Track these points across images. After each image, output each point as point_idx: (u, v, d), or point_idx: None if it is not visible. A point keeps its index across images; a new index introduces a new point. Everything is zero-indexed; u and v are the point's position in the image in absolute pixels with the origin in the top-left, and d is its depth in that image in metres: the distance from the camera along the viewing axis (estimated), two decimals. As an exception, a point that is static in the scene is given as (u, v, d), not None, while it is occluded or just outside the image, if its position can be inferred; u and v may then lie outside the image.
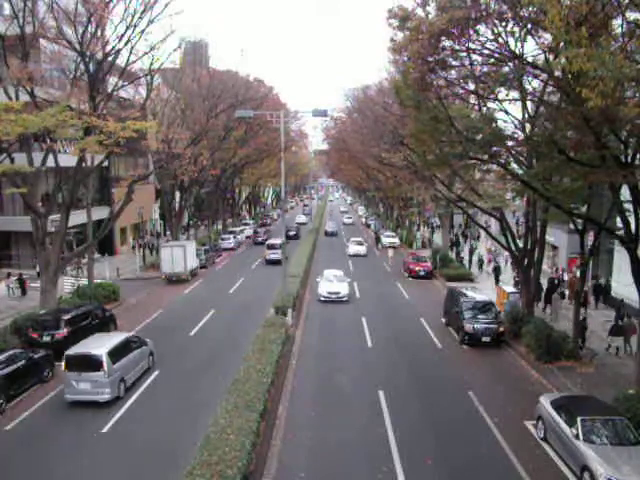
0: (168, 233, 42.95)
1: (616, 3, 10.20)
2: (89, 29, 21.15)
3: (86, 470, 11.71)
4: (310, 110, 24.32)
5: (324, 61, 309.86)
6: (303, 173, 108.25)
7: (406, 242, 49.52)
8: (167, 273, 32.35)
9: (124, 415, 14.39)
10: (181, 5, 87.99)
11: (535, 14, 12.05)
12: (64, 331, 18.54)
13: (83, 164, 24.00)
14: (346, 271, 33.18)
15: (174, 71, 37.03)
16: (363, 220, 76.54)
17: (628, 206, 15.26)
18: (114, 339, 16.35)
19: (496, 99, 16.92)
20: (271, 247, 40.08)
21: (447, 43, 13.96)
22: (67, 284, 28.90)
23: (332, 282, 28.19)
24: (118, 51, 22.60)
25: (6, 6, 23.90)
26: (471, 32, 13.51)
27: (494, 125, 17.00)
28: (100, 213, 34.93)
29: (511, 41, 13.85)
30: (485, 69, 15.75)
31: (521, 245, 22.79)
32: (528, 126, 18.61)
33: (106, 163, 32.57)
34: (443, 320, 23.76)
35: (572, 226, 20.84)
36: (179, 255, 32.03)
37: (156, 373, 17.39)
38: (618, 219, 17.04)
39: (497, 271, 31.80)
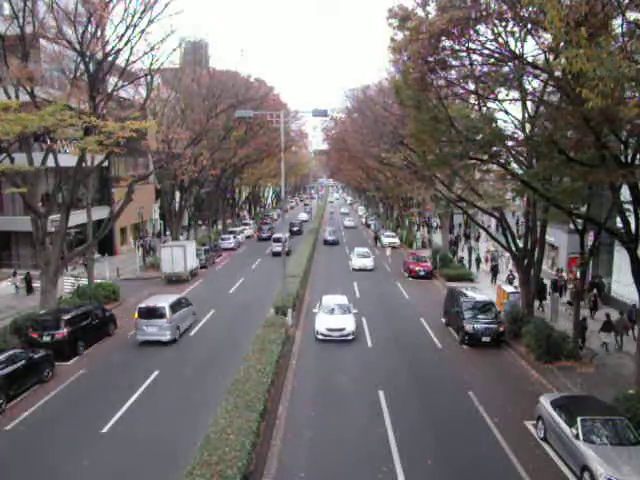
0: (168, 233, 42.92)
1: (616, 3, 10.20)
2: (89, 29, 21.17)
3: (86, 470, 11.71)
4: (310, 110, 24.34)
5: (324, 61, 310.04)
6: (303, 173, 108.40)
7: (406, 242, 49.53)
8: (167, 273, 32.36)
9: (124, 415, 14.39)
10: (181, 5, 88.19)
11: (535, 14, 12.05)
12: (64, 331, 18.55)
13: (83, 164, 24.02)
14: (350, 295, 26.84)
15: (174, 71, 37.06)
16: (363, 220, 76.47)
17: (628, 206, 15.26)
18: (172, 297, 21.82)
19: (496, 99, 16.92)
20: (277, 240, 43.58)
21: (447, 43, 13.96)
22: (67, 284, 28.90)
23: (333, 315, 21.44)
24: (118, 51, 22.61)
25: (6, 6, 23.90)
26: (471, 32, 13.50)
27: (494, 125, 17.00)
28: (100, 213, 34.93)
29: (511, 41, 13.86)
30: (485, 69, 15.74)
31: (521, 245, 22.80)
32: (528, 126, 18.62)
33: (106, 163, 32.59)
34: (443, 320, 23.76)
35: (572, 226, 20.84)
36: (179, 255, 32.04)
37: (156, 373, 17.39)
38: (618, 219, 17.04)
39: (495, 270, 32.28)
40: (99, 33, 22.22)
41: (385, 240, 48.45)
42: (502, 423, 13.96)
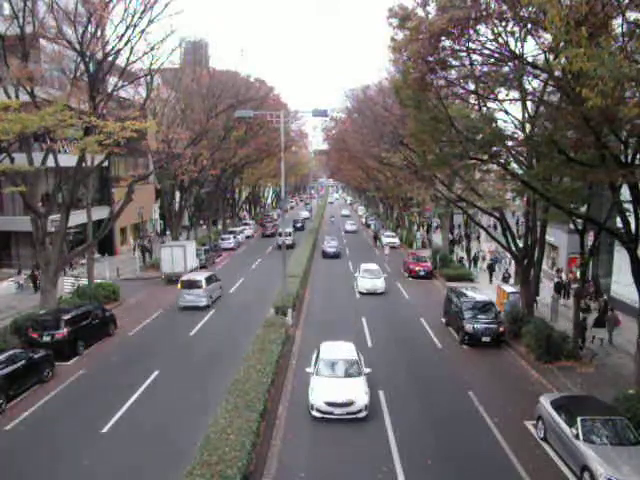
0: (168, 233, 42.95)
1: (616, 3, 10.21)
2: (89, 29, 21.15)
3: (86, 470, 11.70)
4: (310, 110, 24.32)
5: (324, 61, 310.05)
6: (303, 173, 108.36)
7: (406, 242, 49.54)
8: (167, 273, 32.36)
9: (124, 415, 14.39)
10: (181, 5, 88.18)
11: (535, 14, 12.06)
12: (64, 331, 18.54)
13: (83, 164, 24.01)
14: (358, 334, 21.33)
15: (174, 71, 37.05)
16: (363, 220, 76.50)
17: (628, 206, 15.26)
18: (207, 273, 28.23)
19: (496, 99, 16.93)
20: (281, 235, 43.49)
21: (447, 43, 13.96)
22: (67, 284, 28.91)
23: (335, 378, 14.69)
24: (118, 51, 22.60)
25: (6, 6, 23.89)
26: (471, 32, 13.51)
27: (494, 125, 17.01)
28: (100, 213, 34.92)
29: (511, 41, 13.87)
30: (485, 69, 15.76)
31: (521, 245, 22.80)
32: (528, 126, 18.62)
33: (106, 163, 32.58)
34: (443, 320, 23.75)
35: (572, 226, 20.85)
36: (179, 255, 32.06)
37: (156, 373, 17.39)
38: (618, 219, 17.04)
39: (491, 268, 32.87)
40: (99, 33, 22.21)
41: (385, 240, 48.48)
42: (502, 423, 13.96)
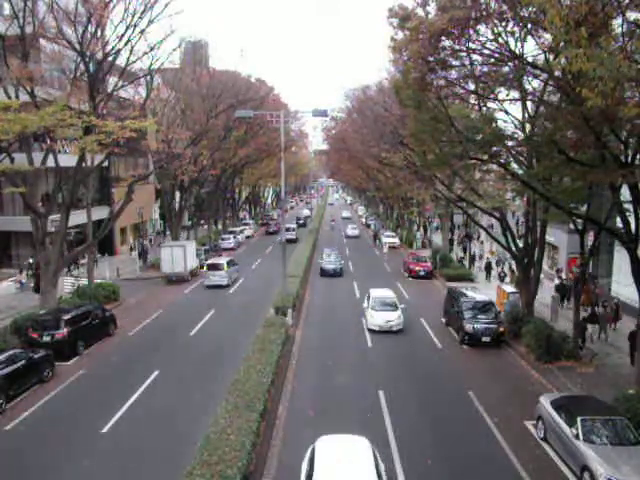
0: (168, 233, 42.96)
1: (616, 3, 10.20)
2: (89, 29, 21.17)
3: (86, 470, 11.70)
4: (310, 110, 24.34)
5: (324, 61, 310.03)
6: (303, 173, 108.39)
7: (406, 242, 49.55)
8: (167, 273, 32.38)
9: (124, 415, 14.39)
10: (181, 5, 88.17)
11: (535, 14, 12.06)
12: (64, 331, 18.54)
13: (83, 164, 24.01)
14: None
15: (174, 71, 37.05)
16: (363, 220, 76.48)
17: (628, 206, 15.26)
18: (227, 258, 33.85)
19: (496, 99, 16.93)
20: (287, 230, 48.06)
21: (447, 43, 13.97)
22: (67, 284, 28.91)
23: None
24: (118, 51, 22.62)
25: (6, 6, 23.90)
26: (471, 32, 13.52)
27: (494, 125, 17.01)
28: (100, 213, 34.93)
29: (511, 41, 13.88)
30: (485, 69, 15.76)
31: (521, 245, 22.79)
32: (528, 126, 18.62)
33: (106, 163, 32.58)
34: (443, 320, 23.75)
35: (572, 226, 20.84)
36: (179, 255, 32.07)
37: (156, 373, 17.38)
38: (618, 219, 17.04)
39: (489, 267, 33.22)
40: (99, 33, 22.23)
41: (385, 240, 48.52)
42: (502, 423, 13.96)
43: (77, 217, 29.92)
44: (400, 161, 33.02)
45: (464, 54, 14.70)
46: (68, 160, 24.77)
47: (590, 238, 21.56)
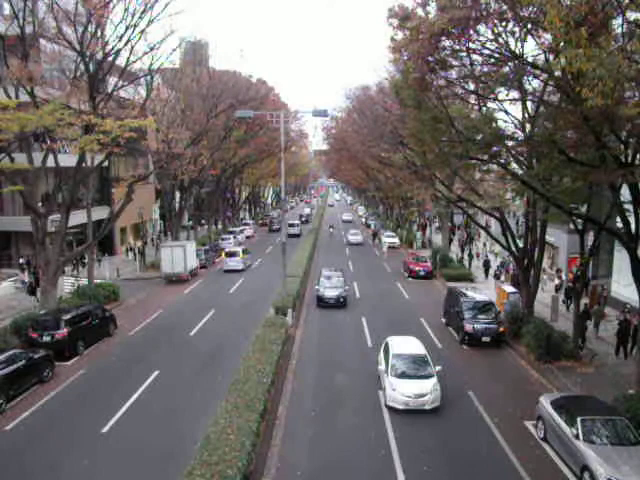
0: (168, 233, 42.98)
1: (616, 3, 10.21)
2: (89, 29, 21.16)
3: (86, 470, 11.70)
4: (310, 110, 24.43)
5: (324, 61, 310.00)
6: (303, 173, 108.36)
7: (406, 242, 49.55)
8: (167, 273, 32.37)
9: (124, 415, 14.38)
10: (181, 5, 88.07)
11: (535, 14, 12.06)
12: (64, 331, 18.54)
13: (83, 164, 24.01)
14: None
15: (174, 71, 37.03)
16: (363, 220, 76.44)
17: (628, 206, 15.26)
18: (242, 247, 39.97)
19: (496, 99, 16.93)
20: (290, 225, 54.53)
21: (447, 43, 13.97)
22: (67, 284, 28.91)
23: None
24: (118, 51, 22.60)
25: (6, 6, 23.90)
26: (471, 32, 13.50)
27: (494, 125, 17.00)
28: (100, 213, 34.92)
29: (511, 41, 13.86)
30: (485, 69, 15.76)
31: (521, 245, 22.78)
32: (528, 126, 18.62)
33: (106, 163, 32.57)
34: (443, 320, 23.75)
35: (572, 226, 20.84)
36: (179, 255, 32.06)
37: (156, 373, 17.38)
38: (618, 219, 17.04)
39: (487, 265, 33.45)
40: (99, 33, 22.22)
41: (385, 240, 48.51)
42: (502, 423, 13.96)
43: (77, 217, 29.91)
44: (400, 161, 33.01)
45: (464, 54, 14.70)
46: (68, 160, 24.77)
47: (590, 238, 21.55)
